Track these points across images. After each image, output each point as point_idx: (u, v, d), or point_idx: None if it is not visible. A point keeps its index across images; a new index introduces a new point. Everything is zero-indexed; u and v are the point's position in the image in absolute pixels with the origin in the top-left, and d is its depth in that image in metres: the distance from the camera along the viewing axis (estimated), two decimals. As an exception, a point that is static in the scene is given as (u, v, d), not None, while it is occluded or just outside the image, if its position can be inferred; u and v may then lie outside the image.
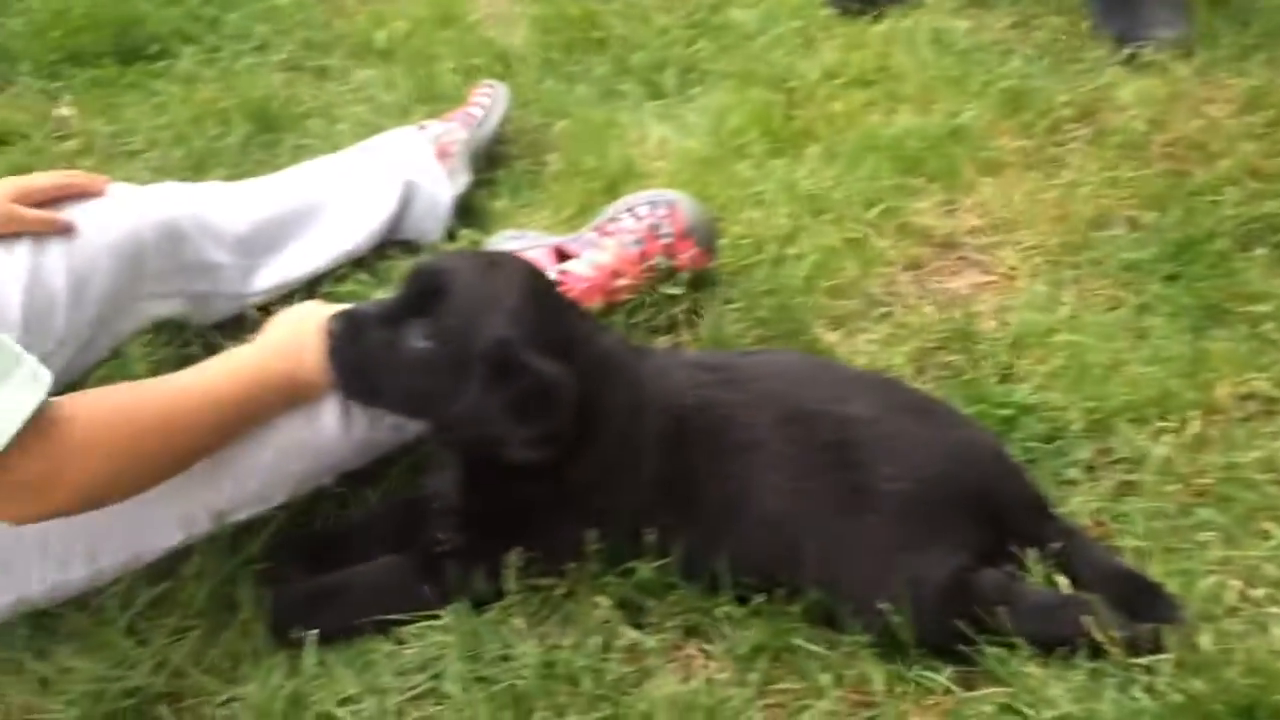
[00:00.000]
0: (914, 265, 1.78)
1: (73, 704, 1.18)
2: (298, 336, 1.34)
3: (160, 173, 1.96)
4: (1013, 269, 1.76)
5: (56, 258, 1.49)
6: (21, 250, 1.48)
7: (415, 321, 1.23)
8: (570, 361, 1.19)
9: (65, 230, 1.50)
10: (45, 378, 1.10)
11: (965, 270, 1.79)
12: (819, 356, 1.56)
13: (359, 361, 1.25)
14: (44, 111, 2.21)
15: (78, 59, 2.33)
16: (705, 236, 1.67)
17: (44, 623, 1.27)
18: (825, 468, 1.22)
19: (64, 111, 2.21)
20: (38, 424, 1.08)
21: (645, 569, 1.25)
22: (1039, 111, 2.06)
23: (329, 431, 1.35)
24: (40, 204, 1.51)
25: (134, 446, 1.18)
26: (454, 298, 1.21)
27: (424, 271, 1.28)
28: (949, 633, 1.17)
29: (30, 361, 1.10)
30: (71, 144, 2.12)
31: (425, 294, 1.23)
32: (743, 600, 1.23)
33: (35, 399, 1.08)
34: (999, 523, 1.25)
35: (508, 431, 1.18)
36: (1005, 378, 1.53)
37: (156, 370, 1.54)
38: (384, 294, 1.68)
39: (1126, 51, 2.17)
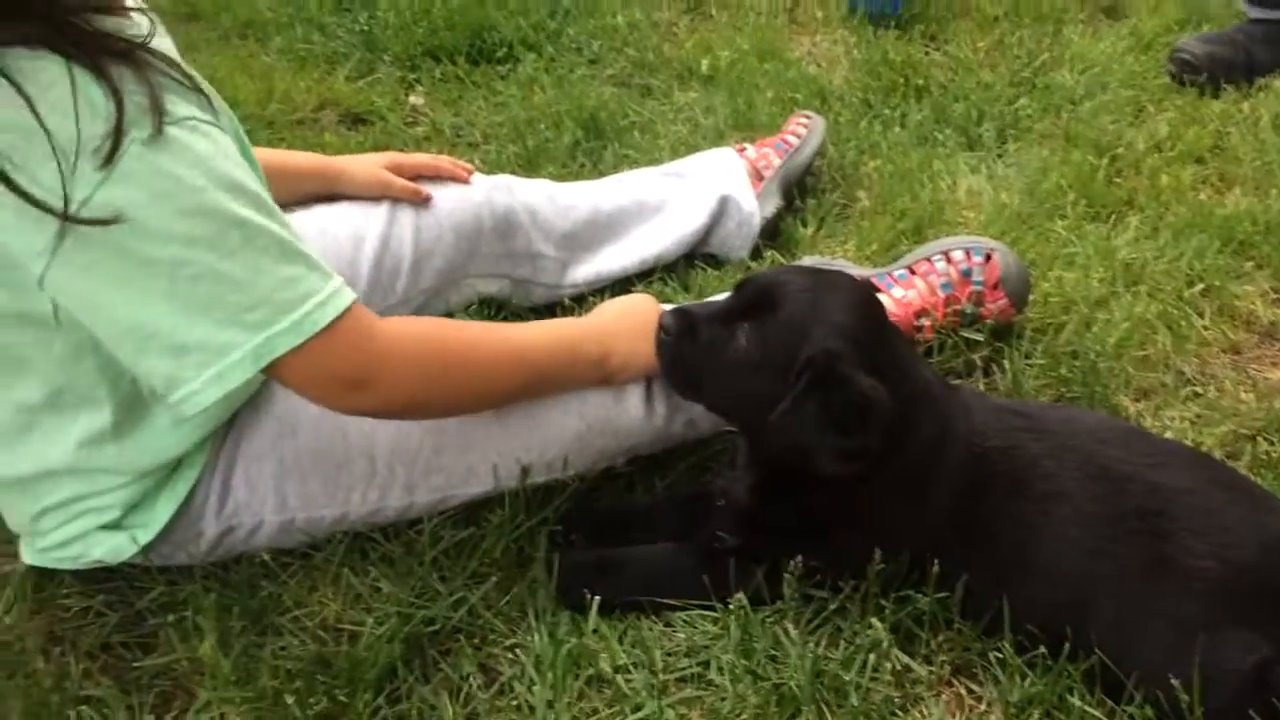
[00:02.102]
0: (1233, 349, 1.71)
1: (380, 622, 1.28)
2: (618, 325, 1.42)
3: (495, 166, 2.13)
4: (1344, 369, 1.66)
5: (407, 228, 1.65)
6: (379, 214, 1.64)
7: (745, 325, 1.26)
8: (888, 383, 1.20)
9: (425, 201, 1.66)
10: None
11: (1289, 363, 1.70)
12: (1129, 423, 1.51)
13: (687, 357, 1.29)
14: (399, 98, 2.45)
15: (434, 54, 2.57)
16: (1017, 290, 1.65)
17: (359, 544, 1.39)
18: (1131, 532, 1.17)
19: (416, 100, 2.44)
20: (352, 325, 1.15)
21: (923, 599, 1.25)
22: (1391, 211, 1.93)
23: (633, 414, 1.42)
24: (409, 178, 1.68)
25: (437, 370, 1.25)
26: (786, 306, 1.24)
27: (759, 280, 1.30)
28: (1242, 723, 1.11)
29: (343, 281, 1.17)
30: (420, 129, 2.33)
31: (758, 301, 1.26)
32: (1021, 648, 1.21)
33: (347, 299, 1.15)
34: (1311, 622, 1.17)
35: (820, 442, 1.19)
36: (1329, 477, 1.45)
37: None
38: (687, 299, 1.77)
39: None
